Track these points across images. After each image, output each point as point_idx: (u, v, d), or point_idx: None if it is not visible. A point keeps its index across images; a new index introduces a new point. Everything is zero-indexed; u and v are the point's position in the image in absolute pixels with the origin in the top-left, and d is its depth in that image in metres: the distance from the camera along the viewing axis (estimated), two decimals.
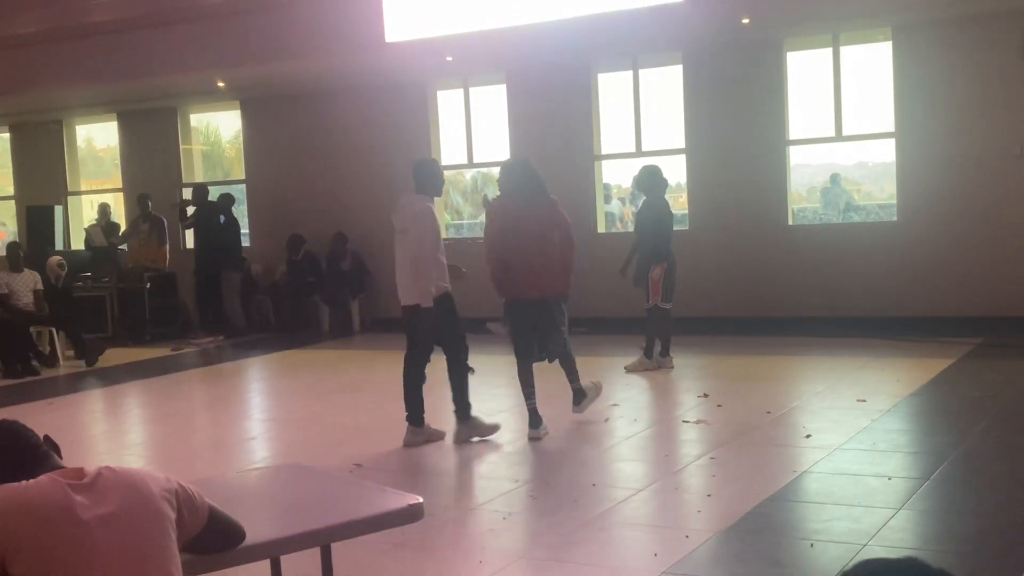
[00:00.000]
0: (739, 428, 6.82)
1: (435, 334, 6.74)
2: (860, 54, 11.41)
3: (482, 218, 10.92)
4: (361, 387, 9.44)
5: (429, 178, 6.87)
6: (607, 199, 13.11)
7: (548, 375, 7.30)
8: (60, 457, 2.51)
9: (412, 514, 3.15)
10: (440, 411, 7.13)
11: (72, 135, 15.95)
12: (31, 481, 2.31)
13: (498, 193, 7.52)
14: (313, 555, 3.21)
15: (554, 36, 10.85)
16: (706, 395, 7.93)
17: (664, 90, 12.07)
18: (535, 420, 6.85)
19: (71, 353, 11.39)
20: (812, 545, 4.57)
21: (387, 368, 10.32)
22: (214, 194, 13.54)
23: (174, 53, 12.26)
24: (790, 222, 11.57)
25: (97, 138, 17.01)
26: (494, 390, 8.14)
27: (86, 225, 14.90)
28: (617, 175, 13.52)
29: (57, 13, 12.72)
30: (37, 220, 14.92)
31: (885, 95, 10.97)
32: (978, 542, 4.60)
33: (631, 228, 10.84)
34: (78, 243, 15.21)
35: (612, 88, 12.37)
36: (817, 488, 5.50)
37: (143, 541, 2.34)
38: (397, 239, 6.82)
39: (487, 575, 4.45)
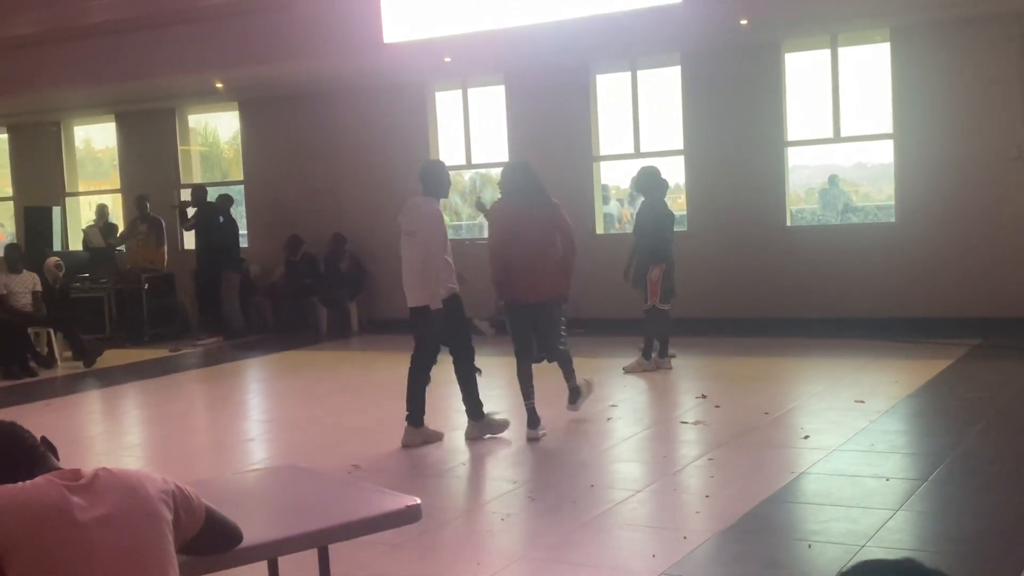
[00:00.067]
0: (737, 429, 6.82)
1: (443, 335, 6.75)
2: (858, 55, 11.42)
3: (480, 219, 10.95)
4: (359, 388, 9.44)
5: (436, 180, 6.89)
6: (605, 200, 13.11)
7: (547, 376, 7.30)
8: (57, 459, 2.51)
9: (410, 515, 3.15)
10: (440, 412, 7.13)
11: (70, 136, 15.95)
12: (28, 482, 2.30)
13: (489, 195, 7.54)
14: (311, 556, 3.21)
15: (552, 37, 10.85)
16: (704, 396, 7.94)
17: (662, 91, 12.07)
18: (533, 420, 6.85)
19: (69, 354, 11.38)
20: (810, 546, 4.57)
21: (385, 369, 10.33)
22: (212, 195, 13.53)
23: (172, 54, 12.26)
24: (788, 223, 11.57)
25: (95, 139, 17.00)
26: (492, 391, 8.12)
27: (84, 226, 14.89)
28: (615, 176, 13.52)
29: (55, 14, 12.73)
30: (35, 221, 14.92)
31: (883, 96, 10.98)
32: (976, 543, 4.60)
33: (629, 229, 10.84)
34: (76, 244, 15.21)
35: (610, 89, 12.37)
36: (815, 489, 5.50)
37: (140, 542, 2.33)
38: (404, 241, 6.82)
39: None
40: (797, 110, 11.46)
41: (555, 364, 7.22)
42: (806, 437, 6.51)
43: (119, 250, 14.01)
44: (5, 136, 16.33)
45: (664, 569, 4.35)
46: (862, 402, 7.39)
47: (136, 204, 13.84)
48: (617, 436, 6.96)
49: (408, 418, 6.81)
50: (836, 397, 7.73)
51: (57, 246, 14.82)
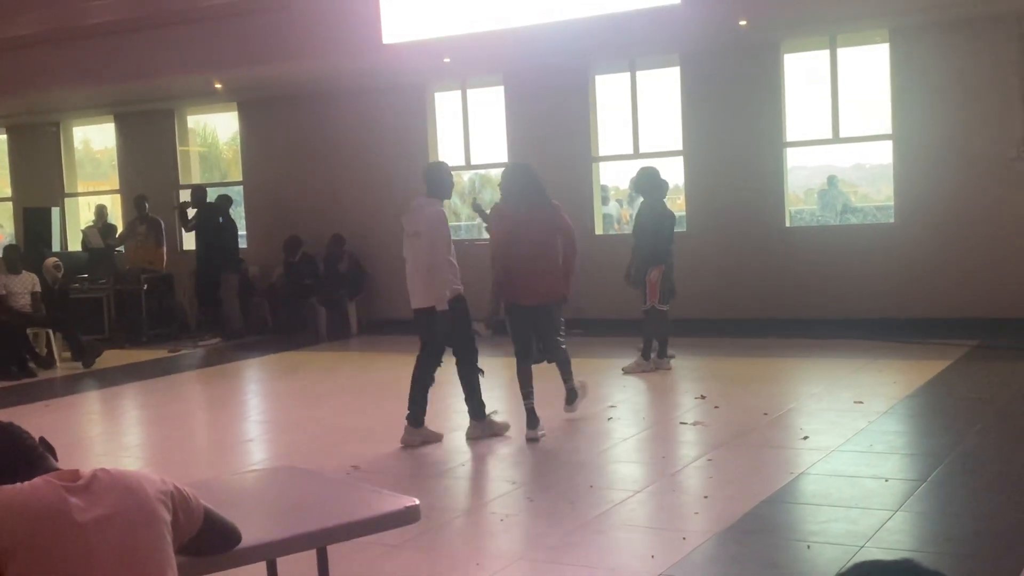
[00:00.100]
0: (736, 430, 6.82)
1: (448, 336, 6.77)
2: (857, 56, 11.43)
3: (478, 221, 10.93)
4: (358, 389, 9.43)
5: (439, 181, 6.92)
6: (605, 201, 13.11)
7: (547, 376, 7.31)
8: (56, 459, 2.51)
9: (409, 516, 3.15)
10: (440, 413, 7.12)
11: (69, 136, 15.95)
12: (26, 483, 2.30)
13: (488, 195, 7.56)
14: (309, 557, 3.20)
15: (552, 38, 10.85)
16: (703, 397, 7.94)
17: (661, 92, 12.07)
18: (532, 421, 6.86)
19: (68, 355, 11.37)
20: (809, 547, 4.57)
21: (384, 369, 10.34)
22: (211, 196, 13.53)
23: (171, 55, 12.26)
24: (787, 224, 11.57)
25: (94, 139, 17.00)
26: (490, 391, 8.10)
27: (83, 227, 14.88)
28: (615, 177, 13.53)
29: (54, 15, 12.73)
30: (34, 222, 14.91)
31: (882, 97, 10.99)
32: (975, 544, 4.61)
33: (628, 230, 10.84)
34: (75, 245, 15.21)
35: (610, 90, 12.37)
36: (814, 490, 5.50)
37: (139, 543, 2.33)
38: (408, 242, 6.83)
39: None
40: (796, 111, 11.47)
41: (553, 365, 7.23)
42: (805, 438, 6.51)
43: (118, 251, 14.01)
44: (4, 137, 16.33)
45: (663, 570, 4.35)
46: (861, 403, 7.39)
47: (135, 205, 13.83)
48: (616, 437, 6.96)
49: (409, 417, 6.82)
50: (835, 398, 7.74)
51: (56, 247, 14.82)
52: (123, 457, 7.04)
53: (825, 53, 11.12)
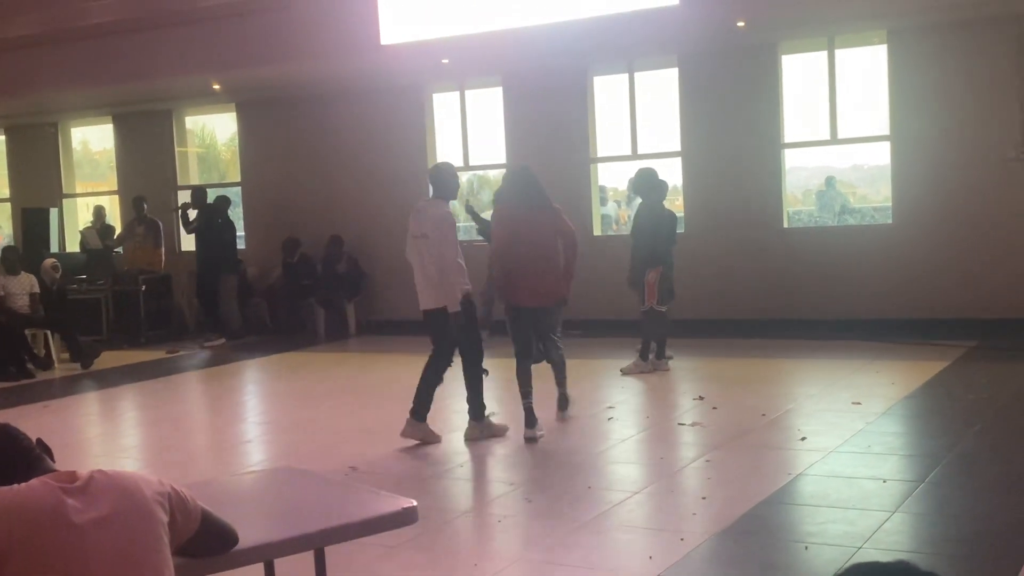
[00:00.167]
0: (734, 431, 6.82)
1: (456, 336, 6.78)
2: (855, 57, 11.44)
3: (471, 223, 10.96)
4: (356, 390, 9.43)
5: (446, 182, 6.95)
6: (603, 202, 13.12)
7: (546, 377, 7.32)
8: (53, 460, 2.50)
9: (406, 517, 3.15)
10: (439, 413, 7.11)
11: (67, 137, 15.94)
12: (23, 485, 2.30)
13: (487, 196, 7.58)
14: (307, 558, 3.20)
15: (550, 39, 10.85)
16: (701, 398, 7.94)
17: (660, 93, 12.08)
18: (531, 420, 6.87)
19: (66, 356, 11.36)
20: (807, 548, 4.57)
21: (382, 370, 10.34)
22: (210, 197, 13.51)
23: (170, 55, 12.26)
24: (785, 225, 11.58)
25: (92, 140, 17.00)
26: (490, 391, 8.11)
27: (81, 227, 14.88)
28: (613, 178, 13.54)
29: (52, 15, 12.72)
30: (32, 222, 14.91)
31: (880, 98, 11.00)
32: (973, 545, 4.61)
33: (627, 231, 10.84)
34: (73, 246, 15.20)
35: (608, 91, 12.38)
36: (812, 491, 5.50)
37: (136, 545, 2.33)
38: (413, 244, 6.83)
39: None
40: (794, 112, 11.48)
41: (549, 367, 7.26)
42: (803, 439, 6.51)
43: (116, 252, 14.00)
44: (2, 137, 16.32)
45: (661, 571, 4.35)
46: (859, 404, 7.39)
47: (133, 206, 13.82)
48: (614, 438, 6.96)
49: (413, 411, 6.83)
50: (833, 399, 7.74)
51: (54, 247, 14.81)
52: (121, 458, 7.04)
53: (823, 54, 11.12)
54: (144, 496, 2.39)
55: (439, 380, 6.93)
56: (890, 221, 11.24)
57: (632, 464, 6.45)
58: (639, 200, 9.79)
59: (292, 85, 13.11)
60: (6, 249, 12.15)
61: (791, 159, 11.80)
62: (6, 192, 16.38)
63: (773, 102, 11.32)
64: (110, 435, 8.37)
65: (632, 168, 10.36)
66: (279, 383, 10.36)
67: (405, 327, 12.44)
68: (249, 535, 2.79)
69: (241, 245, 14.03)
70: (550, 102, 12.27)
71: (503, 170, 12.74)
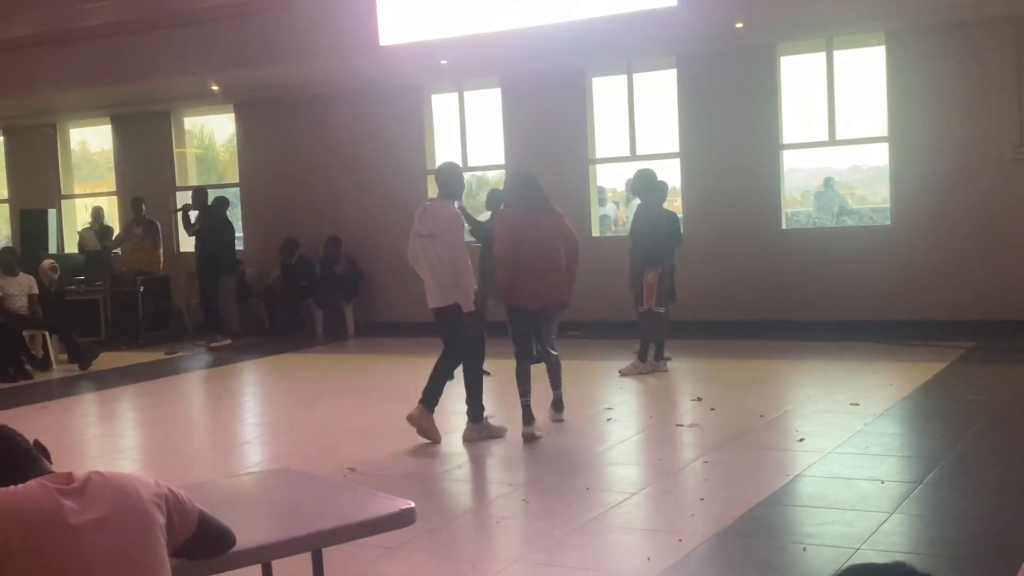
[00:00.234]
0: (732, 432, 6.82)
1: (463, 335, 6.81)
2: (853, 58, 11.44)
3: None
4: (354, 391, 9.42)
5: (453, 182, 6.98)
6: (601, 202, 13.12)
7: (545, 377, 7.32)
8: (50, 462, 2.50)
9: (404, 519, 3.15)
10: (438, 416, 7.10)
11: (66, 138, 15.93)
12: (20, 486, 2.30)
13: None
14: (305, 560, 3.20)
15: (549, 40, 10.85)
16: (700, 399, 7.94)
17: (658, 94, 12.08)
18: (529, 418, 6.89)
19: (64, 357, 11.36)
20: (805, 549, 4.57)
21: (381, 371, 10.34)
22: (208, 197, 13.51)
23: (168, 57, 12.25)
24: (783, 226, 11.58)
25: (91, 141, 16.99)
26: (489, 392, 8.12)
27: (79, 229, 14.87)
28: (611, 179, 13.53)
29: (51, 17, 12.72)
30: (31, 224, 14.90)
31: (878, 99, 11.00)
32: (972, 546, 4.61)
33: (625, 232, 10.83)
34: (71, 247, 15.19)
35: (606, 92, 12.38)
36: (810, 492, 5.50)
37: (133, 546, 2.33)
38: (420, 244, 6.82)
39: None
40: (792, 113, 11.48)
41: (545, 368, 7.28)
42: (801, 440, 6.51)
43: (115, 253, 13.99)
44: (1, 138, 16.31)
45: (659, 572, 4.35)
46: (857, 405, 7.39)
47: (132, 207, 13.81)
48: (613, 439, 6.96)
49: (423, 401, 6.86)
50: (831, 400, 7.74)
51: (52, 249, 14.80)
52: (119, 459, 7.04)
53: (821, 55, 11.13)
54: (141, 497, 2.39)
55: (451, 376, 6.96)
56: (888, 222, 11.24)
57: (630, 465, 6.45)
58: (637, 201, 9.79)
59: (291, 86, 13.11)
60: (4, 250, 12.15)
61: (789, 160, 11.81)
62: (4, 193, 16.37)
63: (772, 103, 11.32)
64: (108, 436, 8.36)
65: (631, 169, 10.36)
66: (277, 384, 10.36)
67: (403, 328, 12.45)
68: (247, 536, 2.79)
69: (239, 246, 14.03)
70: (549, 103, 12.28)
71: (502, 171, 12.80)
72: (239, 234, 14.10)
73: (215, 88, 13.30)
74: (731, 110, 11.45)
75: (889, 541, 4.60)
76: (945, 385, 8.14)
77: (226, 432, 8.19)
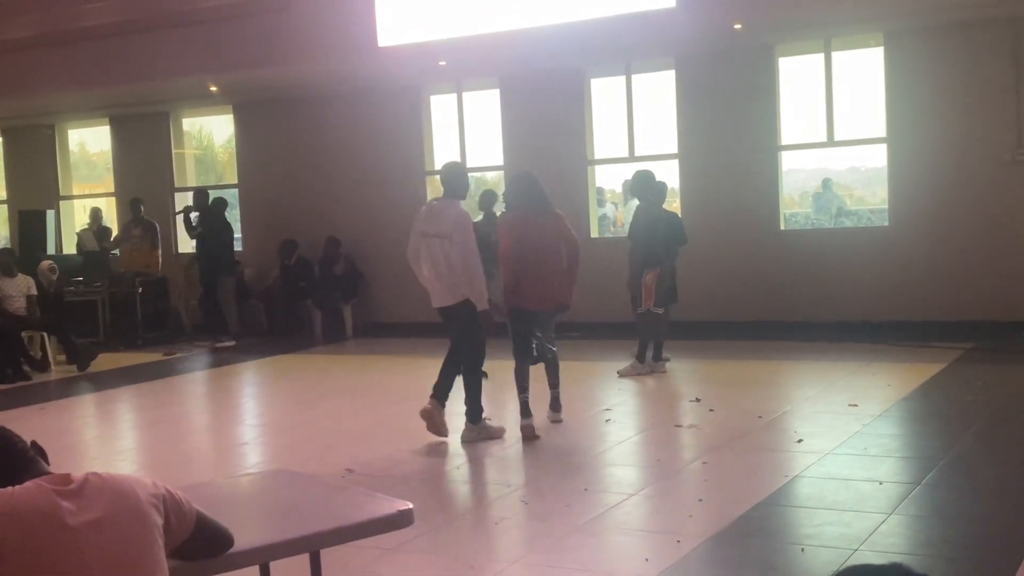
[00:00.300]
0: (731, 432, 6.82)
1: (465, 334, 6.81)
2: (852, 59, 11.45)
3: None
4: (353, 392, 9.42)
5: (458, 181, 6.98)
6: (600, 203, 13.12)
7: (545, 378, 7.32)
8: (47, 463, 2.50)
9: (402, 520, 3.14)
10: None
11: (64, 139, 15.93)
12: (17, 487, 2.29)
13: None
14: (303, 561, 3.20)
15: (547, 41, 10.85)
16: (698, 399, 7.94)
17: (657, 95, 12.09)
18: (526, 412, 6.91)
19: (63, 358, 11.35)
20: (803, 550, 4.57)
21: (379, 372, 10.34)
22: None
23: (167, 57, 12.25)
24: (782, 227, 11.59)
25: (89, 142, 16.99)
26: (488, 393, 8.12)
27: (78, 229, 14.86)
28: (610, 180, 13.53)
29: (50, 17, 12.72)
30: (29, 225, 14.89)
31: (877, 100, 11.01)
32: (970, 547, 4.61)
33: (624, 232, 10.83)
34: (70, 247, 15.18)
35: (605, 93, 12.39)
36: (809, 493, 5.50)
37: (130, 547, 2.33)
38: (428, 243, 6.80)
39: None
40: (791, 114, 11.48)
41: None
42: (799, 441, 6.51)
43: (113, 254, 13.98)
44: None
45: (658, 573, 4.35)
46: (855, 406, 7.39)
47: (130, 208, 13.80)
48: (611, 439, 6.96)
49: (434, 395, 6.87)
50: (829, 401, 7.74)
51: (51, 249, 14.79)
52: (117, 460, 7.03)
53: (820, 56, 11.13)
54: (138, 498, 2.39)
55: (457, 371, 6.96)
56: (886, 223, 11.25)
57: (629, 466, 6.44)
58: (636, 202, 9.79)
59: (289, 87, 13.11)
60: (2, 251, 12.15)
61: (788, 161, 11.81)
62: (3, 194, 16.37)
63: (770, 104, 11.33)
64: (106, 437, 8.36)
65: (629, 170, 10.36)
66: (276, 385, 10.36)
67: (402, 329, 12.45)
68: (244, 538, 2.79)
69: (238, 247, 14.03)
70: (547, 104, 12.28)
71: (501, 172, 12.81)
72: (237, 235, 14.10)
73: (214, 89, 13.30)
74: (730, 111, 11.46)
75: (887, 542, 4.60)
76: (944, 386, 8.15)
77: (224, 433, 8.19)
